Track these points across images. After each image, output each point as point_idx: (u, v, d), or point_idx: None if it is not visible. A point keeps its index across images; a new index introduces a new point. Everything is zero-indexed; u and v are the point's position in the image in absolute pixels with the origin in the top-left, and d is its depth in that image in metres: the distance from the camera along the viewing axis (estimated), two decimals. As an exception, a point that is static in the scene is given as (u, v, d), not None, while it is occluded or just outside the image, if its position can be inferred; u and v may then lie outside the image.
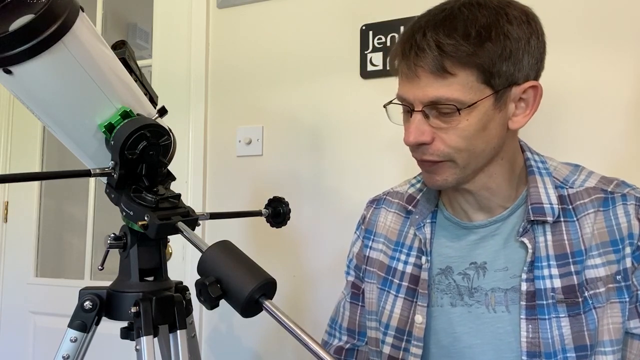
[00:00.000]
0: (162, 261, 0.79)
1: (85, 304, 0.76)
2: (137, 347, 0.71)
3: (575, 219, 0.77)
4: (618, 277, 0.73)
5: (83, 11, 0.67)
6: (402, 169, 1.37)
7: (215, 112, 1.65)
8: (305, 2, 1.53)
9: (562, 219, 0.77)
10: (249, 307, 0.55)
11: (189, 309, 0.81)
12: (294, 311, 1.48)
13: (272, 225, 0.96)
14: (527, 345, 0.74)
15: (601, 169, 0.85)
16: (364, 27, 1.44)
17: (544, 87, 0.75)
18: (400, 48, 0.74)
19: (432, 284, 0.84)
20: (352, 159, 1.45)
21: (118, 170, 0.71)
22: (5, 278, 1.96)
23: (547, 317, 0.74)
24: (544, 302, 0.74)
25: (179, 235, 0.70)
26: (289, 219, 0.95)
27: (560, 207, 0.77)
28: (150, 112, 0.78)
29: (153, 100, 0.84)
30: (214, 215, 0.86)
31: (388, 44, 1.40)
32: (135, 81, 0.79)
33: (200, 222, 0.77)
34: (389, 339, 0.87)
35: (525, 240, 0.77)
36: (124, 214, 0.74)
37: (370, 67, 1.43)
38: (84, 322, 0.76)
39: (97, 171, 0.71)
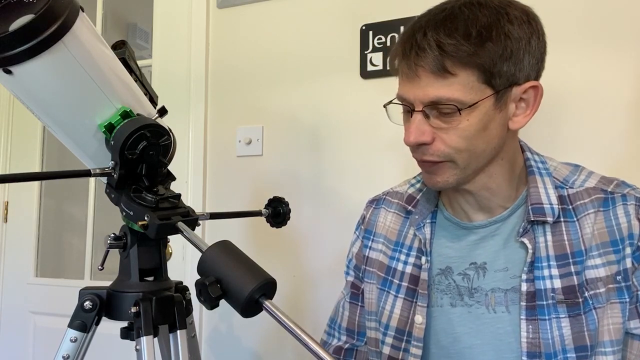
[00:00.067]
0: (162, 261, 0.79)
1: (85, 304, 0.76)
2: (137, 347, 0.71)
3: (575, 219, 0.77)
4: (618, 278, 0.73)
5: (83, 11, 0.67)
6: (402, 169, 1.37)
7: (215, 112, 1.65)
8: (305, 2, 1.53)
9: (562, 219, 0.77)
10: (249, 307, 0.55)
11: (189, 309, 0.81)
12: (294, 311, 1.48)
13: (272, 225, 0.96)
14: (527, 345, 0.74)
15: (601, 169, 0.85)
16: (364, 27, 1.44)
17: (544, 87, 0.75)
18: (401, 48, 0.74)
19: (432, 284, 0.83)
20: (352, 159, 1.44)
21: (118, 170, 0.71)
22: (5, 278, 1.96)
23: (547, 317, 0.74)
24: (544, 303, 0.74)
25: (179, 235, 0.70)
26: (289, 219, 0.95)
27: (560, 207, 0.77)
28: (150, 112, 0.78)
29: (153, 100, 0.84)
30: (214, 215, 0.86)
31: (388, 44, 1.40)
32: (135, 81, 0.79)
33: (200, 222, 0.77)
34: (389, 340, 0.87)
35: (525, 241, 0.76)
36: (124, 214, 0.74)
37: (370, 67, 1.42)
38: (84, 322, 0.76)
39: (97, 171, 0.71)
